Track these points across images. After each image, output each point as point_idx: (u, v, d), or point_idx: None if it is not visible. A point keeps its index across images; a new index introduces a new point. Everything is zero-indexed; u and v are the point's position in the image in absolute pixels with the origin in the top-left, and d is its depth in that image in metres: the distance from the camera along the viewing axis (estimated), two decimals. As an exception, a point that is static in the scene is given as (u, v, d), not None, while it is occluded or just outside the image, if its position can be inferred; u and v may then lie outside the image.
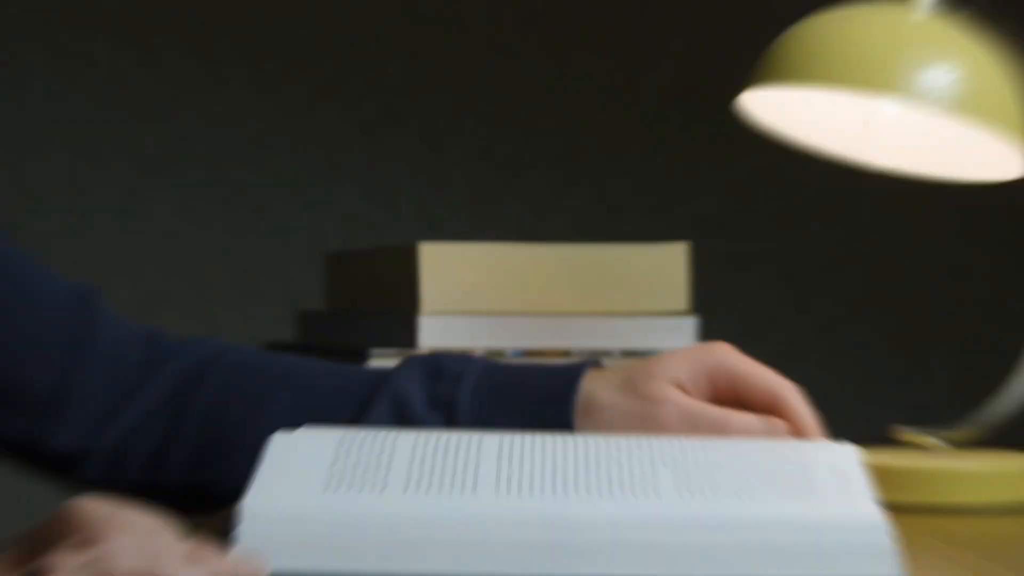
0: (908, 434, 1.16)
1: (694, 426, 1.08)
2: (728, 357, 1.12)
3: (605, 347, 1.37)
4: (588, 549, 0.84)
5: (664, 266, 1.40)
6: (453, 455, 0.92)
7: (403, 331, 1.33)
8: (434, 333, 1.33)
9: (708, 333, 2.24)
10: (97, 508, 0.79)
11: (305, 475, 0.90)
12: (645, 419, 1.09)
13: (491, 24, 2.60)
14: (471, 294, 1.34)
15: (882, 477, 1.11)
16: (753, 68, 1.14)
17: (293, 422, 1.02)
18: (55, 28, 2.49)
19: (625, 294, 1.39)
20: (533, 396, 1.13)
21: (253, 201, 2.54)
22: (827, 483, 0.89)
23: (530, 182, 2.60)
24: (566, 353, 1.35)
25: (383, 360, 1.30)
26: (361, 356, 1.31)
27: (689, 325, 1.40)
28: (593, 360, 1.16)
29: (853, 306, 2.63)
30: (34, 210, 2.49)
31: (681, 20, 2.58)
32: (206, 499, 1.16)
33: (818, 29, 1.12)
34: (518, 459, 0.92)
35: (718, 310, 2.39)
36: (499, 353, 1.34)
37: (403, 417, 1.14)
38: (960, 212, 2.54)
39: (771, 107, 1.20)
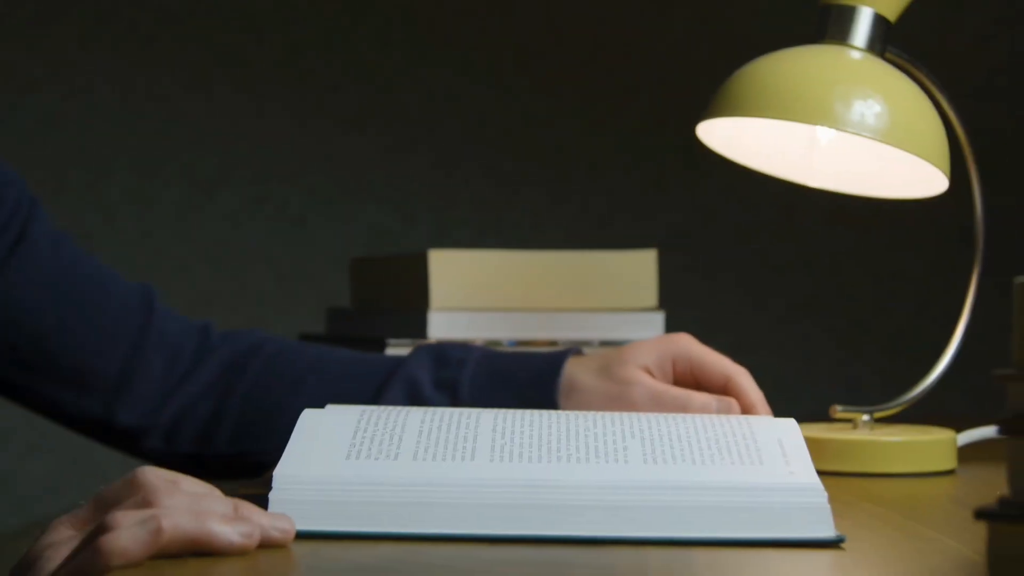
0: (841, 412, 1.16)
1: (660, 404, 1.08)
2: (689, 345, 1.12)
3: (586, 338, 1.37)
4: (567, 508, 0.83)
5: (637, 269, 1.40)
6: (455, 428, 0.92)
7: (415, 325, 1.33)
8: (441, 326, 1.33)
9: (673, 326, 2.24)
10: (156, 475, 0.79)
11: (330, 446, 0.89)
12: (618, 399, 1.09)
13: (494, 65, 2.59)
14: (473, 293, 1.34)
15: (820, 448, 1.11)
16: (708, 102, 1.14)
17: (322, 401, 1.02)
18: (124, 70, 2.48)
19: (603, 293, 1.38)
20: (523, 379, 1.13)
21: (291, 215, 2.53)
22: (772, 453, 0.89)
23: (528, 198, 2.60)
24: (553, 343, 1.35)
25: (398, 349, 1.30)
26: (380, 346, 1.31)
27: (658, 319, 1.40)
28: (574, 348, 1.15)
29: (798, 305, 2.63)
30: (108, 223, 2.49)
31: (654, 61, 2.58)
32: (247, 467, 1.17)
33: (765, 67, 1.12)
34: (510, 432, 0.91)
35: (682, 307, 2.39)
36: (497, 343, 1.34)
37: (414, 397, 1.13)
38: (891, 224, 2.53)
39: (724, 135, 1.19)
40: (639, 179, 2.59)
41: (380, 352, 1.30)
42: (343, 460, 0.88)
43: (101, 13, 2.47)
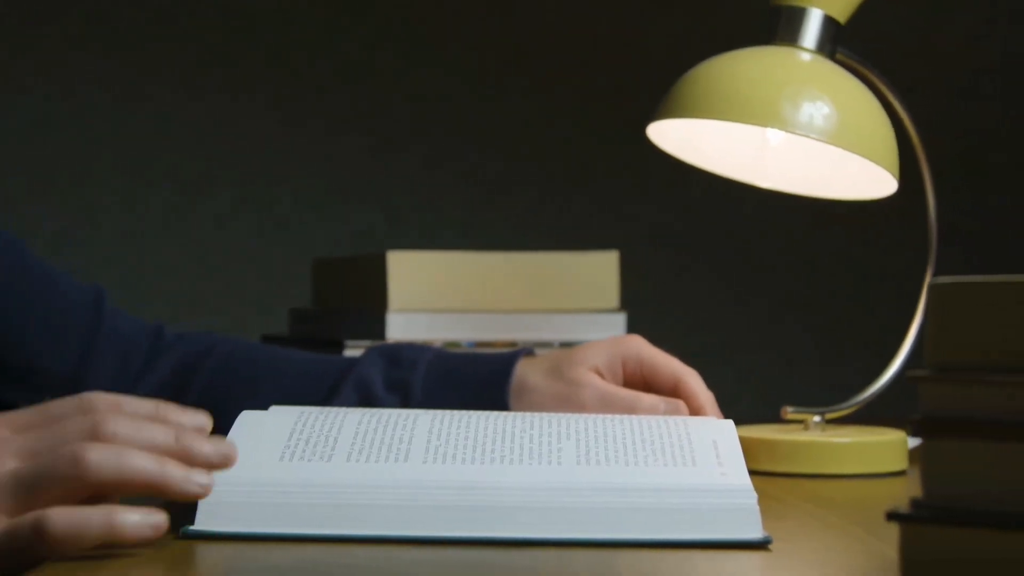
0: (792, 413, 1.15)
1: (608, 406, 1.07)
2: (640, 347, 1.12)
3: (548, 339, 1.36)
4: (497, 510, 0.83)
5: (598, 270, 1.40)
6: (391, 430, 0.91)
7: (374, 326, 1.33)
8: (400, 327, 1.32)
9: (659, 325, 2.24)
10: (102, 399, 0.82)
11: (264, 447, 0.89)
12: (568, 400, 1.09)
13: (481, 66, 2.59)
14: (433, 294, 1.34)
15: (770, 449, 1.11)
16: (659, 102, 1.14)
17: (274, 402, 1.02)
18: (110, 71, 2.48)
19: (565, 294, 1.38)
20: (475, 380, 1.13)
21: (278, 216, 2.53)
22: (706, 454, 0.89)
23: (515, 199, 2.60)
24: (513, 344, 1.35)
25: (356, 351, 1.30)
26: (339, 347, 1.31)
27: (619, 320, 1.40)
28: (526, 349, 1.15)
29: (782, 304, 2.62)
30: (94, 224, 2.49)
31: (641, 62, 2.57)
32: (201, 467, 1.16)
33: (714, 69, 1.11)
34: (445, 434, 0.91)
35: (666, 306, 2.38)
36: (456, 344, 1.33)
37: (366, 398, 1.13)
38: (874, 224, 2.53)
39: (676, 136, 1.19)
40: (624, 180, 2.59)
41: (338, 353, 1.29)
42: (276, 462, 0.87)
43: (88, 14, 2.47)
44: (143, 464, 0.79)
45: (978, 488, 0.67)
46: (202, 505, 0.82)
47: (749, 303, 2.62)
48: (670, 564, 0.77)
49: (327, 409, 0.96)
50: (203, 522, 0.82)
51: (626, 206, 2.60)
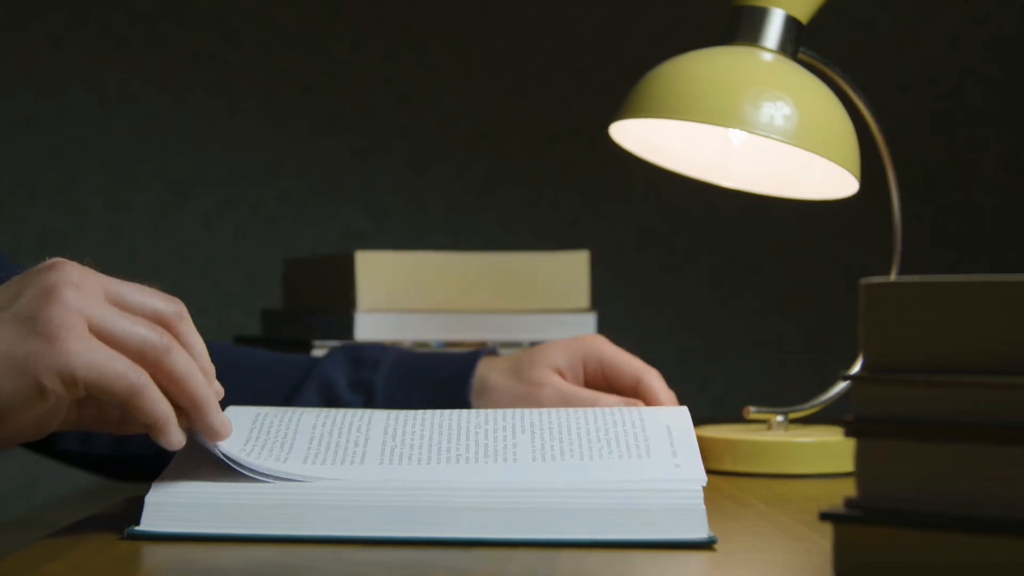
0: (755, 412, 1.16)
1: (568, 405, 1.07)
2: (602, 347, 1.12)
3: (518, 339, 1.36)
4: (449, 510, 0.83)
5: (569, 270, 1.40)
6: (347, 431, 0.92)
7: (342, 326, 1.33)
8: (368, 328, 1.33)
9: (647, 325, 2.23)
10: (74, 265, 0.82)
11: (220, 448, 0.89)
12: (528, 399, 1.09)
13: (467, 67, 2.60)
14: (402, 295, 1.34)
15: (731, 449, 1.11)
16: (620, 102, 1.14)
17: (237, 401, 1.02)
18: (97, 72, 2.49)
19: (535, 294, 1.38)
20: (437, 380, 1.13)
21: (264, 216, 2.54)
22: (661, 443, 0.88)
23: (500, 199, 2.60)
24: (483, 344, 1.35)
25: (323, 351, 1.30)
26: (307, 347, 1.31)
27: (590, 320, 1.40)
28: (489, 348, 1.16)
29: (769, 303, 2.63)
30: (80, 225, 2.49)
31: (629, 63, 2.58)
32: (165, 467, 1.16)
33: (676, 69, 1.12)
34: (401, 434, 0.91)
35: (653, 306, 2.38)
36: (424, 344, 1.34)
37: (329, 398, 1.14)
38: (862, 224, 2.53)
39: (639, 136, 1.19)
40: (610, 180, 2.59)
41: (306, 354, 1.30)
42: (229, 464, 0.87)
43: (74, 15, 2.48)
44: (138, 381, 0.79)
45: (909, 488, 0.68)
46: (148, 506, 0.82)
47: (735, 303, 2.62)
48: (611, 564, 0.78)
49: (284, 410, 0.96)
50: (149, 523, 0.82)
51: (614, 206, 2.60)
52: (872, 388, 0.69)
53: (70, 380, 0.77)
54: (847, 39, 2.42)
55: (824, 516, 0.69)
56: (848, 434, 0.69)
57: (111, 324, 0.80)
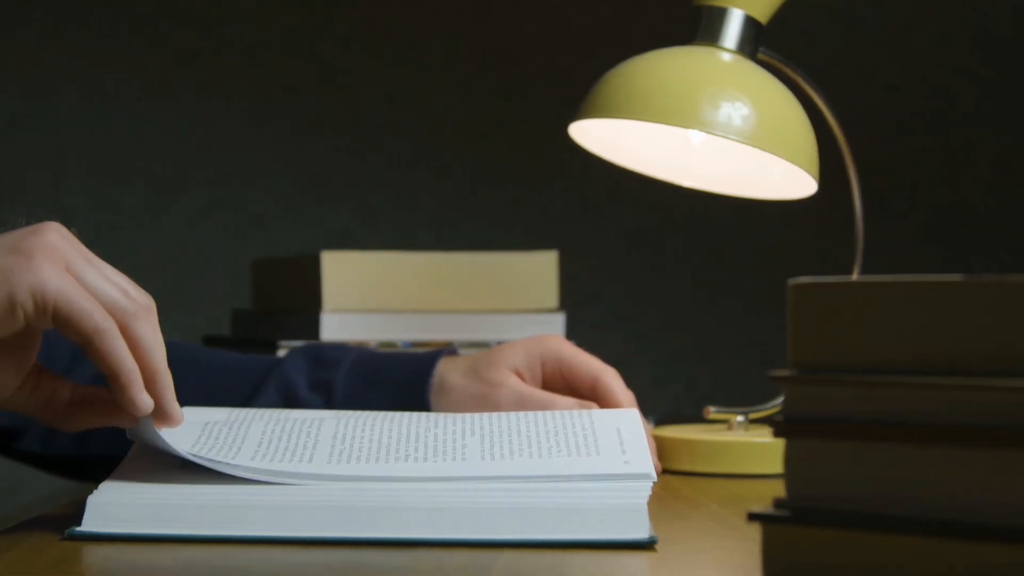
0: (715, 412, 1.15)
1: (524, 407, 1.07)
2: (559, 347, 1.12)
3: (485, 339, 1.36)
4: (393, 508, 0.82)
5: (538, 270, 1.40)
6: (297, 432, 0.92)
7: (309, 326, 1.33)
8: (334, 328, 1.33)
9: (638, 325, 2.22)
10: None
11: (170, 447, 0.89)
12: (485, 400, 1.09)
13: (456, 66, 2.60)
14: (369, 295, 1.34)
15: (690, 449, 1.11)
16: (580, 102, 1.14)
17: (199, 401, 1.02)
18: (83, 72, 2.49)
19: (504, 294, 1.38)
20: (397, 380, 1.13)
21: (251, 216, 2.54)
22: (610, 443, 0.89)
23: (489, 199, 2.60)
24: (449, 345, 1.35)
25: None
26: (273, 348, 1.31)
27: (558, 320, 1.40)
28: (449, 348, 1.16)
29: (756, 305, 2.62)
30: (66, 222, 2.49)
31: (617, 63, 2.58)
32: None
33: (634, 69, 1.12)
34: (351, 435, 0.91)
35: (642, 306, 2.38)
36: (391, 344, 1.34)
37: (289, 398, 1.13)
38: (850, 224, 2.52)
39: (600, 136, 1.19)
40: (599, 180, 2.59)
41: (271, 354, 1.30)
42: (181, 464, 0.87)
43: (60, 15, 2.48)
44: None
45: (838, 488, 0.68)
46: (90, 507, 0.82)
47: (723, 303, 2.62)
48: (546, 564, 0.78)
49: (237, 411, 0.96)
50: (91, 523, 0.82)
51: (606, 206, 2.60)
52: (800, 388, 0.69)
53: (40, 301, 0.79)
54: (839, 38, 2.42)
55: (752, 516, 0.69)
56: (777, 434, 0.69)
57: (86, 274, 0.83)
